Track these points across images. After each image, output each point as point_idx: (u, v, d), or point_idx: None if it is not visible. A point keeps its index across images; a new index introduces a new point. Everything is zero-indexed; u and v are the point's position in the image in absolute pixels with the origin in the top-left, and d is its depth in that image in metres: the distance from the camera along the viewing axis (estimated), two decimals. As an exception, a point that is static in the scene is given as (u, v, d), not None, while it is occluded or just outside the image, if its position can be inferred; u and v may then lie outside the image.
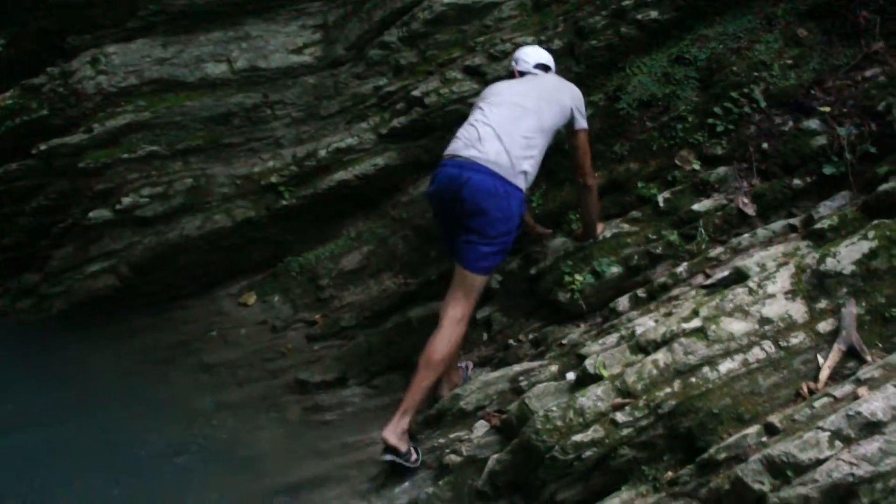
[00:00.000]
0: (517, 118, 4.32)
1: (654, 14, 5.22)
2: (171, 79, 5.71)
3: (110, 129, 5.58)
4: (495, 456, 3.80)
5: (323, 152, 5.67)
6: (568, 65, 5.42)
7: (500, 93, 4.53)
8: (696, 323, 3.58)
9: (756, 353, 3.51)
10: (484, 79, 5.49)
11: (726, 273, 4.10)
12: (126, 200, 5.53)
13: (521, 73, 4.78)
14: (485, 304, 4.97)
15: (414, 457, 4.08)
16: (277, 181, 5.68)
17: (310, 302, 5.68)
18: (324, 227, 5.84)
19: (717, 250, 4.40)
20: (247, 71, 5.77)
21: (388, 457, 4.02)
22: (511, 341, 4.78)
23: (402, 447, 4.02)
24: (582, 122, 4.57)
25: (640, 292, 4.41)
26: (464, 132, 4.32)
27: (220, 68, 5.76)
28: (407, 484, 4.10)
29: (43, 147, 5.62)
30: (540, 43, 5.46)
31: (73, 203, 5.75)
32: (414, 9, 5.62)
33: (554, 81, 4.73)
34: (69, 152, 5.62)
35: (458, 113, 5.43)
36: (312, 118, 5.83)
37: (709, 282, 4.17)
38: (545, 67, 4.85)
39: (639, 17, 5.24)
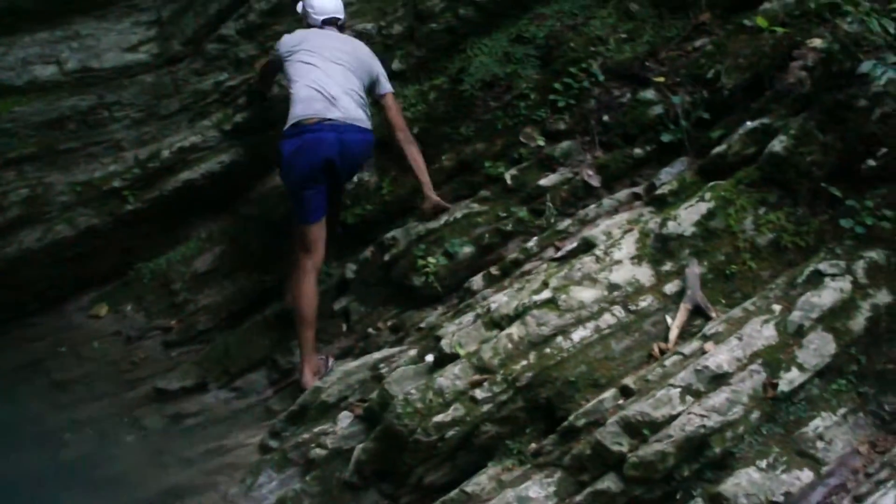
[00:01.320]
0: (349, 77, 4.76)
1: (494, -6, 5.25)
2: (-4, 83, 5.42)
3: (-69, 141, 5.25)
4: (360, 445, 3.79)
5: (166, 153, 5.49)
6: (409, 49, 5.44)
7: (322, 48, 4.80)
8: (546, 294, 3.64)
9: (607, 319, 3.61)
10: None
11: (575, 244, 4.18)
12: (-43, 214, 5.22)
13: (309, 25, 5.04)
14: (341, 296, 4.96)
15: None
16: (120, 185, 5.45)
17: (164, 308, 5.50)
18: (173, 230, 5.66)
19: (566, 223, 4.49)
20: (79, 72, 5.51)
21: None
22: (370, 330, 4.76)
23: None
24: (389, 86, 5.00)
25: (494, 270, 4.46)
26: (315, 94, 4.58)
27: (50, 70, 5.49)
28: (274, 483, 4.04)
29: None
30: (380, 28, 5.46)
31: None
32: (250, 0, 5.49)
33: (365, 47, 5.06)
34: None
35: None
36: (153, 118, 5.63)
37: (559, 254, 4.25)
38: (336, 20, 5.10)
39: None
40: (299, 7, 5.17)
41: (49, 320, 5.60)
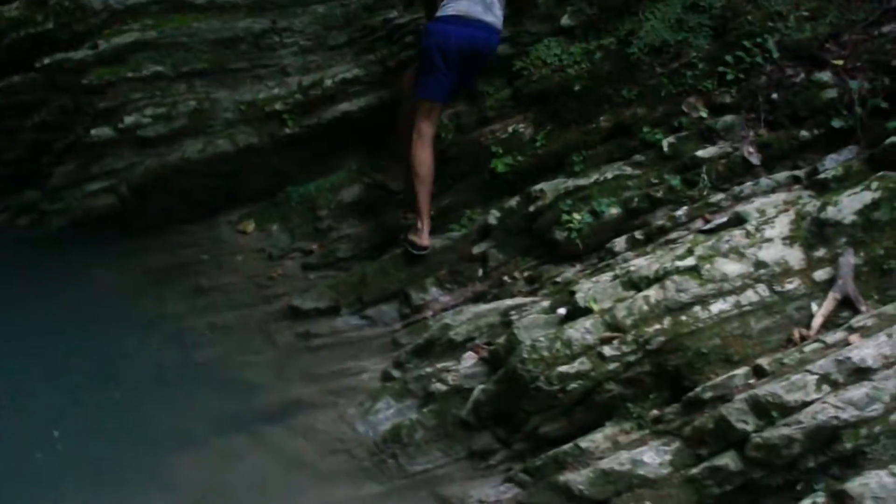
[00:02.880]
0: None
1: (670, -42, 5.11)
2: (179, -1, 5.63)
3: (115, 46, 5.47)
4: (481, 386, 3.81)
5: (329, 82, 5.60)
6: (581, 6, 5.33)
7: None
8: (690, 261, 3.56)
9: (749, 296, 3.50)
10: (495, 17, 5.42)
11: (725, 218, 4.07)
12: (128, 119, 5.45)
13: None
14: (481, 240, 4.95)
15: None
16: (282, 109, 5.60)
17: (308, 232, 5.63)
18: (325, 159, 5.77)
19: (719, 197, 4.36)
20: (256, -6, 5.67)
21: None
22: (506, 278, 4.75)
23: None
24: None
25: (638, 234, 4.38)
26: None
27: (230, -9, 5.67)
28: (392, 411, 4.11)
29: (47, 61, 5.53)
30: (554, -16, 5.40)
31: (76, 120, 5.68)
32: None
33: None
34: (73, 68, 5.52)
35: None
36: (320, 48, 5.73)
37: (707, 226, 4.14)
38: None
39: (656, -40, 5.14)
40: None
41: (200, 230, 5.81)
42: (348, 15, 5.72)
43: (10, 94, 5.74)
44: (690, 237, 4.11)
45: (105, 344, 4.96)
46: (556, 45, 5.35)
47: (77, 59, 5.50)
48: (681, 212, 4.33)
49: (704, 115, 4.71)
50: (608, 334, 3.48)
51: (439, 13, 4.99)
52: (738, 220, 3.90)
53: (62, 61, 5.53)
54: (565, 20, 5.36)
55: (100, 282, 5.54)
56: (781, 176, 4.32)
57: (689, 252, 3.61)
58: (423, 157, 4.97)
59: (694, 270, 3.52)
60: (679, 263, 3.56)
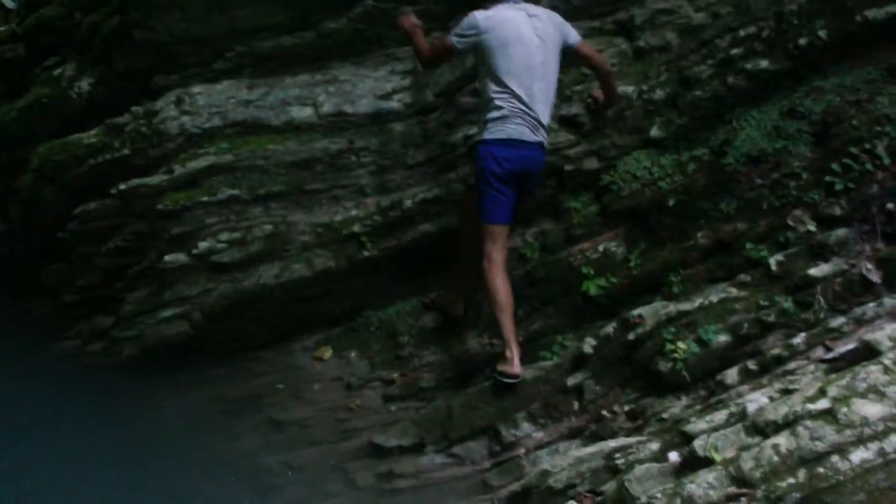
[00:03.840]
0: (549, 87, 4.89)
1: (764, 64, 4.87)
2: (255, 121, 5.55)
3: (191, 171, 5.42)
4: (588, 542, 3.43)
5: (408, 202, 5.41)
6: (670, 116, 5.11)
7: (513, 45, 4.76)
8: (823, 404, 3.15)
9: (894, 442, 3.08)
10: (581, 129, 5.24)
11: (851, 346, 3.68)
12: (203, 245, 5.33)
13: None
14: (576, 371, 4.62)
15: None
16: (360, 231, 5.43)
17: (388, 359, 5.38)
18: (405, 281, 5.56)
19: (839, 321, 3.98)
20: (333, 115, 5.56)
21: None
22: (605, 412, 4.39)
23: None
24: (576, 35, 5.00)
25: (751, 364, 4.01)
26: (521, 116, 4.77)
27: (306, 112, 5.57)
28: (488, 565, 3.75)
29: (123, 187, 5.50)
30: (640, 92, 5.18)
31: (150, 246, 5.60)
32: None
33: (543, 15, 4.92)
34: (149, 193, 5.48)
35: (552, 165, 5.17)
36: (398, 166, 5.58)
37: (830, 356, 3.75)
38: None
39: (748, 66, 4.90)
40: None
41: (275, 356, 5.63)
42: (427, 132, 5.57)
43: (86, 220, 5.73)
44: (812, 369, 3.72)
45: (175, 483, 4.71)
46: (645, 157, 5.15)
47: (153, 184, 5.48)
48: (798, 339, 3.96)
49: (813, 228, 4.40)
50: (734, 490, 3.07)
51: (487, 135, 4.82)
52: (869, 351, 3.49)
53: (138, 187, 5.51)
54: (654, 131, 5.15)
55: (171, 413, 5.36)
56: (906, 295, 3.93)
57: (822, 392, 3.21)
58: (499, 283, 4.76)
59: (829, 414, 3.11)
60: (811, 406, 3.16)
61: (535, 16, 4.88)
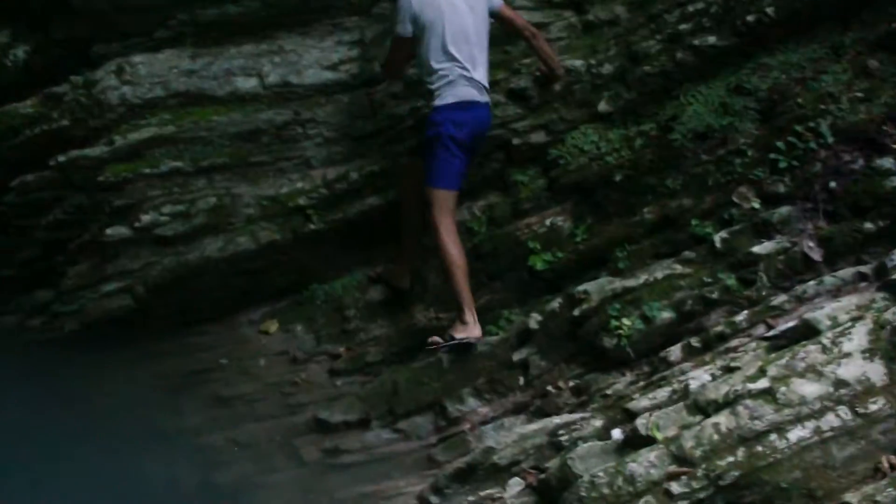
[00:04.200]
0: (484, 52, 4.98)
1: (712, 40, 4.91)
2: (198, 92, 5.40)
3: (133, 142, 5.28)
4: (531, 518, 3.45)
5: (355, 175, 5.35)
6: (618, 91, 5.10)
7: (447, 16, 4.87)
8: (763, 383, 3.21)
9: (830, 420, 3.16)
10: (529, 103, 5.19)
11: (791, 324, 3.73)
12: (146, 218, 5.21)
13: None
14: (522, 346, 4.62)
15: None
16: (306, 203, 5.34)
17: (334, 333, 5.33)
18: (352, 254, 5.50)
19: (780, 298, 4.03)
20: (278, 86, 5.45)
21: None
22: (550, 388, 4.40)
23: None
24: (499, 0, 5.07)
25: (695, 341, 4.05)
26: (466, 79, 4.87)
27: (251, 83, 5.44)
28: (430, 541, 3.76)
29: (62, 159, 5.33)
30: (589, 67, 5.16)
31: (91, 219, 5.45)
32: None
33: None
34: (89, 165, 5.32)
35: (500, 139, 5.15)
36: (345, 139, 5.49)
37: (771, 333, 3.80)
38: None
39: (696, 42, 4.93)
40: None
41: (220, 330, 5.55)
42: (374, 104, 5.49)
43: (24, 192, 5.54)
44: (753, 346, 3.77)
45: (118, 461, 4.64)
46: (592, 132, 5.14)
47: (93, 155, 5.32)
48: (741, 317, 4.00)
49: (757, 206, 4.44)
50: (675, 469, 3.11)
51: (438, 101, 4.87)
52: (809, 330, 3.55)
53: (78, 158, 5.34)
54: (602, 106, 5.15)
55: (115, 390, 5.25)
56: (847, 273, 4.00)
57: (762, 372, 3.25)
58: (453, 247, 4.78)
59: (768, 393, 3.16)
60: (751, 386, 3.20)
61: None
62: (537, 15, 5.32)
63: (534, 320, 4.59)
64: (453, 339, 4.65)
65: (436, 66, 4.87)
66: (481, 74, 4.92)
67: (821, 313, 3.63)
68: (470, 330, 4.66)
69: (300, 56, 5.54)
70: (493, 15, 5.05)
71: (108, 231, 5.27)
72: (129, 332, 5.43)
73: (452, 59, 4.84)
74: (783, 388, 3.17)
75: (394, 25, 5.00)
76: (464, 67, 4.85)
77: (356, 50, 5.57)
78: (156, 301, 5.39)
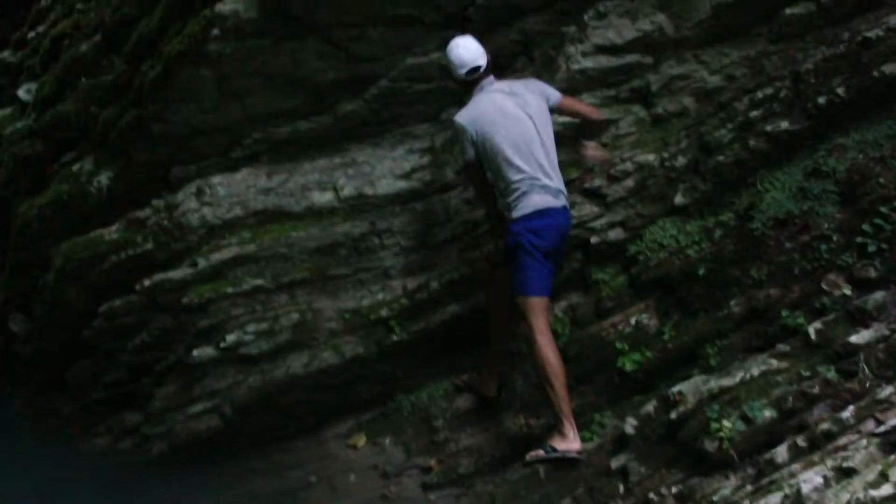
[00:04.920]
0: (553, 154, 4.91)
1: (784, 125, 4.84)
2: (276, 209, 5.53)
3: (215, 262, 5.41)
4: None
5: (435, 284, 5.37)
6: (693, 183, 5.07)
7: (501, 126, 4.81)
8: (887, 489, 3.09)
9: (960, 526, 2.99)
10: (604, 201, 5.19)
11: (903, 419, 3.59)
12: (230, 338, 5.31)
13: (463, 82, 4.98)
14: (619, 452, 4.53)
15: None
16: (387, 315, 5.39)
17: (423, 445, 5.31)
18: (436, 363, 5.50)
19: (886, 390, 3.88)
20: (353, 198, 5.54)
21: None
22: (651, 495, 4.26)
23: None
24: (556, 92, 5.04)
25: (800, 440, 3.90)
26: (539, 186, 4.79)
27: (327, 196, 5.55)
28: None
29: (147, 283, 5.48)
30: (662, 160, 5.14)
31: (177, 340, 5.57)
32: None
33: (521, 89, 4.97)
34: (173, 288, 5.46)
35: (577, 238, 5.14)
36: (422, 247, 5.54)
37: (882, 429, 3.66)
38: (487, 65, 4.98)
39: (768, 128, 4.87)
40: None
41: (307, 445, 5.58)
42: (449, 210, 5.52)
43: (111, 317, 5.70)
44: (864, 443, 3.63)
45: None
46: (671, 225, 5.11)
47: (177, 278, 5.47)
48: (847, 413, 3.85)
49: (849, 292, 4.32)
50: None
51: (516, 213, 4.81)
52: (923, 425, 3.41)
53: (162, 281, 5.48)
54: (678, 199, 5.11)
55: (205, 513, 5.25)
56: (953, 359, 3.84)
57: (884, 477, 3.13)
58: (551, 354, 4.67)
59: (894, 500, 3.03)
60: (874, 493, 3.08)
61: (515, 93, 4.93)
62: (605, 112, 5.30)
63: (629, 425, 4.50)
64: (555, 450, 4.56)
65: (506, 179, 4.81)
66: (554, 177, 4.86)
67: (934, 407, 3.49)
68: (570, 442, 4.58)
69: (373, 167, 5.63)
70: (555, 109, 5.03)
71: (195, 352, 5.37)
72: (217, 452, 5.49)
73: (520, 169, 4.78)
74: (908, 494, 3.03)
75: (459, 155, 5.01)
76: (534, 175, 4.78)
77: (427, 157, 5.64)
78: (243, 420, 5.45)
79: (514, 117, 4.84)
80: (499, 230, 5.03)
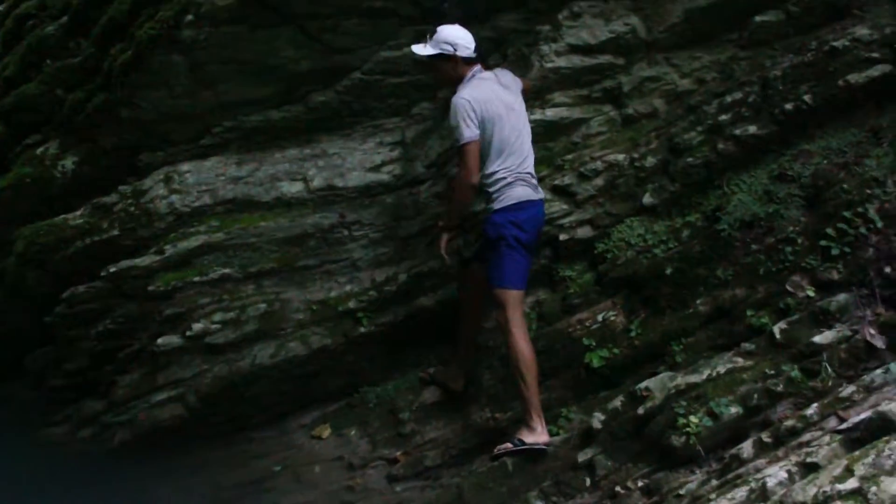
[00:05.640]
0: (528, 142, 4.98)
1: (752, 129, 4.92)
2: (245, 198, 5.52)
3: (182, 250, 5.38)
4: None
5: (403, 276, 5.39)
6: (662, 183, 5.13)
7: (504, 118, 4.83)
8: (852, 483, 3.14)
9: (925, 519, 3.06)
10: (574, 199, 5.23)
11: (864, 416, 3.66)
12: (196, 326, 5.27)
13: (466, 60, 4.91)
14: (586, 446, 4.56)
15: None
16: (355, 307, 5.40)
17: (389, 437, 5.30)
18: (403, 355, 5.51)
19: (848, 389, 3.95)
20: (323, 190, 5.55)
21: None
22: (618, 488, 4.29)
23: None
24: (520, 81, 5.14)
25: (765, 436, 3.96)
26: (521, 179, 4.86)
27: (296, 187, 5.56)
28: None
29: (112, 269, 5.42)
30: (632, 160, 5.20)
31: (141, 328, 5.51)
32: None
33: (508, 80, 5.05)
34: (139, 274, 5.41)
35: (546, 235, 5.18)
36: (391, 240, 5.57)
37: (844, 426, 3.72)
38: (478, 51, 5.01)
39: (737, 132, 4.95)
40: (445, 47, 4.89)
41: (272, 435, 5.55)
42: (419, 204, 5.54)
43: (75, 303, 5.61)
44: (827, 440, 3.70)
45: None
46: (639, 224, 5.16)
47: (143, 265, 5.43)
48: (811, 410, 3.92)
49: (812, 294, 4.41)
50: (769, 575, 3.05)
51: (499, 204, 4.84)
52: (885, 423, 3.49)
53: (128, 268, 5.44)
54: (647, 198, 5.18)
55: (167, 502, 5.19)
56: (912, 360, 3.94)
57: (849, 472, 3.19)
58: (525, 347, 4.72)
59: (859, 494, 3.10)
60: (840, 486, 3.14)
61: (506, 86, 4.99)
62: (576, 111, 5.37)
63: (596, 419, 4.54)
64: (523, 443, 4.60)
65: (494, 168, 4.83)
66: (533, 169, 4.95)
67: (894, 405, 3.57)
68: (538, 435, 4.62)
69: (343, 159, 5.64)
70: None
71: (160, 341, 5.33)
72: (180, 442, 5.42)
73: (509, 161, 4.83)
74: (874, 488, 3.10)
75: (460, 131, 4.76)
76: (519, 167, 4.85)
77: (398, 151, 5.67)
78: (207, 409, 5.41)
79: (510, 108, 4.89)
80: (455, 221, 5.07)
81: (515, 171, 4.84)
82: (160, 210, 5.44)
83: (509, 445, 4.63)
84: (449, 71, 4.92)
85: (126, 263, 5.41)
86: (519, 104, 4.98)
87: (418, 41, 5.00)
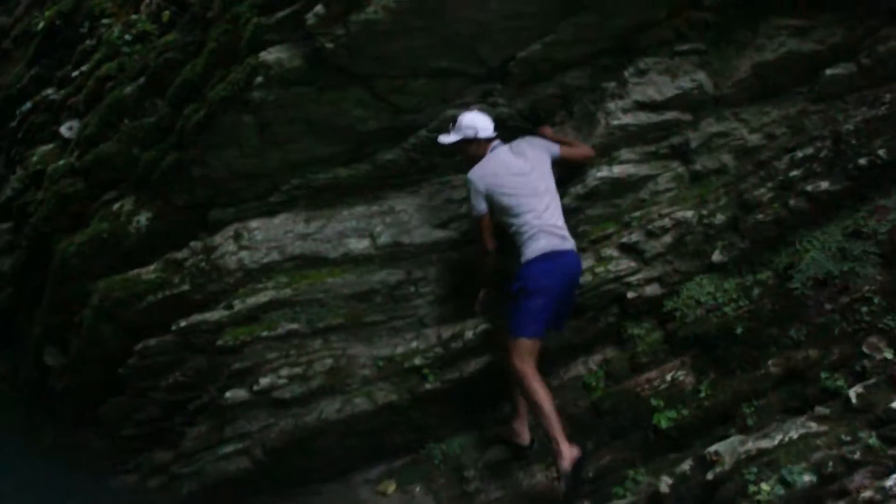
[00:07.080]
0: (558, 204, 5.12)
1: (824, 185, 4.82)
2: (312, 254, 5.57)
3: (251, 306, 5.44)
4: None
5: (469, 333, 5.36)
6: (731, 240, 5.05)
7: (513, 184, 5.04)
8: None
9: None
10: (642, 256, 5.18)
11: (947, 489, 3.52)
12: (264, 381, 5.33)
13: (487, 140, 5.21)
14: (654, 511, 4.48)
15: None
16: (421, 363, 5.38)
17: (454, 495, 5.27)
18: (469, 411, 5.48)
19: (930, 460, 3.82)
20: (390, 246, 5.59)
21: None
22: (687, 558, 4.24)
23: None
24: (555, 145, 5.29)
25: (841, 507, 3.85)
26: (545, 231, 4.96)
27: (363, 243, 5.60)
28: None
29: (183, 323, 5.52)
30: (700, 217, 5.13)
31: (210, 381, 5.59)
32: (565, 184, 5.36)
33: (524, 147, 5.23)
34: (209, 329, 5.50)
35: (614, 293, 5.13)
36: (457, 296, 5.56)
37: (925, 500, 3.59)
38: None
39: (808, 188, 4.85)
40: (468, 132, 5.17)
41: (337, 490, 5.56)
42: (484, 261, 5.52)
43: (146, 356, 5.72)
44: (908, 514, 3.56)
45: None
46: (708, 282, 5.08)
47: (213, 320, 5.50)
48: (890, 481, 3.78)
49: (890, 356, 4.27)
50: None
51: (524, 258, 4.95)
52: (969, 497, 3.35)
53: (198, 323, 5.50)
54: (716, 256, 5.10)
55: (233, 559, 5.23)
56: None
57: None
58: (538, 386, 4.77)
59: (939, 573, 2.98)
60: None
61: (518, 153, 5.19)
62: (644, 167, 5.31)
63: (664, 483, 4.44)
64: (568, 471, 4.58)
65: (515, 229, 5.00)
66: (559, 223, 5.04)
67: (980, 479, 3.43)
68: (569, 454, 4.60)
69: (410, 216, 5.67)
70: (558, 162, 5.24)
71: (228, 394, 5.39)
72: (246, 494, 5.46)
73: (525, 217, 4.97)
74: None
75: (471, 206, 5.15)
76: (539, 222, 4.96)
77: (464, 207, 5.66)
78: (273, 462, 5.44)
79: (521, 174, 5.07)
80: (487, 282, 5.30)
81: (540, 226, 4.95)
82: (230, 266, 5.52)
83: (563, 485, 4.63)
84: (472, 151, 5.21)
85: (196, 318, 5.50)
86: (533, 166, 5.12)
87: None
